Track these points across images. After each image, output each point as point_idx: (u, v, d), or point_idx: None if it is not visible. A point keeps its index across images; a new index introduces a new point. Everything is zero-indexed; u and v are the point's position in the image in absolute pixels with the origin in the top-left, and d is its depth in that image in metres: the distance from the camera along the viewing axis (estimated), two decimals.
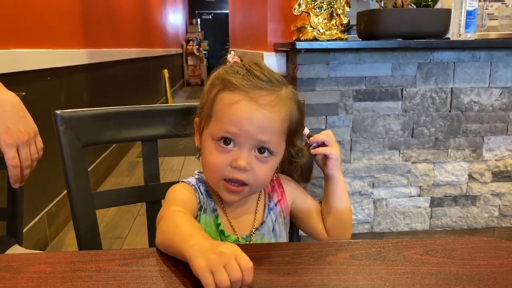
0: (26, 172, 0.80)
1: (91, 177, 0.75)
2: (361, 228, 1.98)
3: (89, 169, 0.75)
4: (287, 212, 0.75)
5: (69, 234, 2.33)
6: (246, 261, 0.44)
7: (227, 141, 0.62)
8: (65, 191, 2.39)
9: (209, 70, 11.83)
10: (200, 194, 0.68)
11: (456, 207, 1.98)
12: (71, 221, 2.48)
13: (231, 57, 0.68)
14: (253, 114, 0.61)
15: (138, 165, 3.59)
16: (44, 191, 2.19)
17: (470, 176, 1.95)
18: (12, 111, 0.79)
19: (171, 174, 3.35)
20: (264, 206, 0.72)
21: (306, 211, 0.75)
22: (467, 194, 1.97)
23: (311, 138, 0.72)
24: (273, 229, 0.72)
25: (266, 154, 0.64)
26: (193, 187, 0.68)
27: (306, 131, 0.73)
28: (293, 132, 0.67)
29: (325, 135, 0.72)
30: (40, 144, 0.83)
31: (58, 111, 0.70)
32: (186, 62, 10.83)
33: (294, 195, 0.75)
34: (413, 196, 1.96)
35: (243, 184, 0.64)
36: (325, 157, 0.72)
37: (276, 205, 0.73)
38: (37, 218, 2.08)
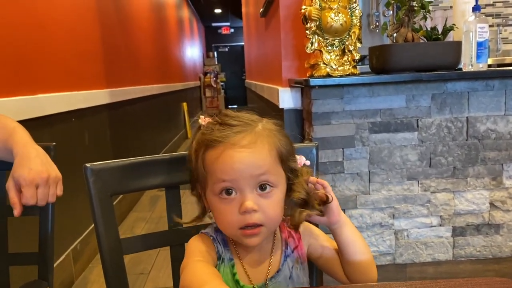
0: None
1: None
2: (383, 260, 1.96)
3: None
4: (304, 258, 0.75)
5: (93, 271, 2.37)
6: None
7: (228, 191, 0.65)
8: (90, 228, 2.45)
9: (227, 100, 12.05)
10: (218, 244, 0.71)
11: (479, 236, 1.96)
12: (95, 258, 2.54)
13: (203, 120, 0.71)
14: (240, 157, 0.64)
15: (160, 199, 3.65)
16: (69, 230, 2.25)
17: (492, 204, 1.94)
18: (37, 159, 0.85)
19: (191, 207, 3.38)
20: (281, 253, 0.73)
21: (323, 257, 0.75)
22: (489, 222, 1.95)
23: (312, 180, 0.70)
24: (290, 277, 0.72)
25: (268, 189, 0.66)
26: (211, 238, 0.71)
27: (302, 160, 0.73)
28: (286, 158, 0.69)
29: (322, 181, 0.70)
30: (60, 191, 0.87)
31: (88, 164, 0.75)
32: (204, 94, 11.04)
33: (310, 240, 0.76)
34: (434, 226, 1.95)
35: (258, 225, 0.66)
36: (325, 205, 0.70)
37: (293, 252, 0.74)
38: (63, 256, 2.14)
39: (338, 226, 0.71)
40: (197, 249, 0.68)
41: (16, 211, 0.83)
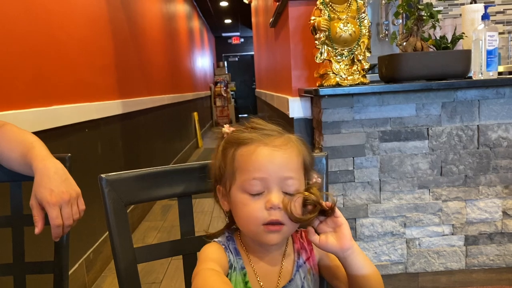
0: (67, 230, 0.87)
1: None
2: (395, 269, 1.96)
3: None
4: (316, 270, 0.76)
5: (106, 280, 2.39)
6: None
7: (256, 189, 0.68)
8: (102, 237, 2.48)
9: (237, 110, 12.10)
10: (230, 253, 0.72)
11: (493, 245, 1.94)
12: (108, 267, 2.56)
13: (227, 128, 0.74)
14: (272, 156, 0.67)
15: (171, 208, 3.67)
16: (83, 239, 2.28)
17: (505, 213, 1.92)
18: (56, 176, 0.87)
19: (203, 216, 3.40)
20: (293, 264, 0.74)
21: (332, 270, 0.76)
22: (502, 231, 1.93)
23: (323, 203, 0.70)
24: (302, 287, 0.73)
25: (290, 195, 0.68)
26: (223, 246, 0.73)
27: (318, 180, 0.74)
28: (308, 169, 0.72)
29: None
30: (82, 206, 0.90)
31: (103, 175, 0.77)
32: (215, 103, 11.11)
33: (322, 252, 0.76)
34: (446, 235, 1.94)
35: (280, 223, 0.68)
36: (336, 228, 0.69)
37: (305, 263, 0.75)
38: (76, 265, 2.16)
39: (351, 252, 0.68)
40: (209, 257, 0.70)
41: (37, 229, 0.86)
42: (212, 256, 0.70)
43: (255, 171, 0.67)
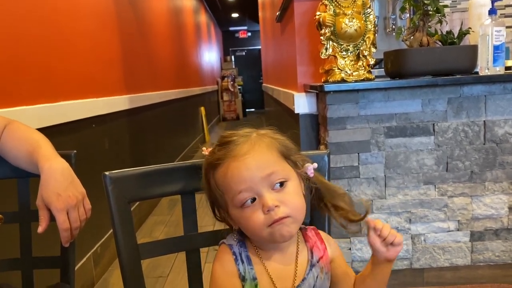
0: (75, 232, 0.88)
1: (134, 216, 0.83)
2: (400, 265, 1.96)
3: (132, 209, 0.82)
4: (328, 268, 0.76)
5: (113, 274, 2.42)
6: None
7: (248, 201, 0.70)
8: (110, 232, 2.50)
9: (244, 104, 12.10)
10: (241, 263, 0.73)
11: (498, 241, 1.94)
12: (115, 261, 2.58)
13: (206, 151, 0.77)
14: (244, 164, 0.69)
15: (178, 203, 3.67)
16: (90, 233, 2.30)
17: (511, 209, 1.91)
18: (62, 178, 0.87)
19: (208, 211, 3.41)
20: (307, 262, 0.75)
21: (338, 276, 0.77)
22: (508, 227, 1.92)
23: (369, 222, 0.71)
24: (314, 286, 0.74)
25: (281, 185, 0.70)
26: (234, 257, 0.73)
27: (314, 165, 0.75)
28: (287, 154, 0.74)
29: (388, 227, 0.71)
30: (88, 205, 0.91)
31: (107, 173, 0.78)
32: (222, 98, 11.12)
33: (334, 255, 0.78)
34: (452, 231, 1.93)
35: (284, 218, 0.69)
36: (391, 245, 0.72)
37: (318, 261, 0.75)
38: (84, 259, 2.19)
39: (382, 263, 0.73)
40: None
41: (41, 228, 0.87)
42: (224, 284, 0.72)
43: (238, 185, 0.69)
